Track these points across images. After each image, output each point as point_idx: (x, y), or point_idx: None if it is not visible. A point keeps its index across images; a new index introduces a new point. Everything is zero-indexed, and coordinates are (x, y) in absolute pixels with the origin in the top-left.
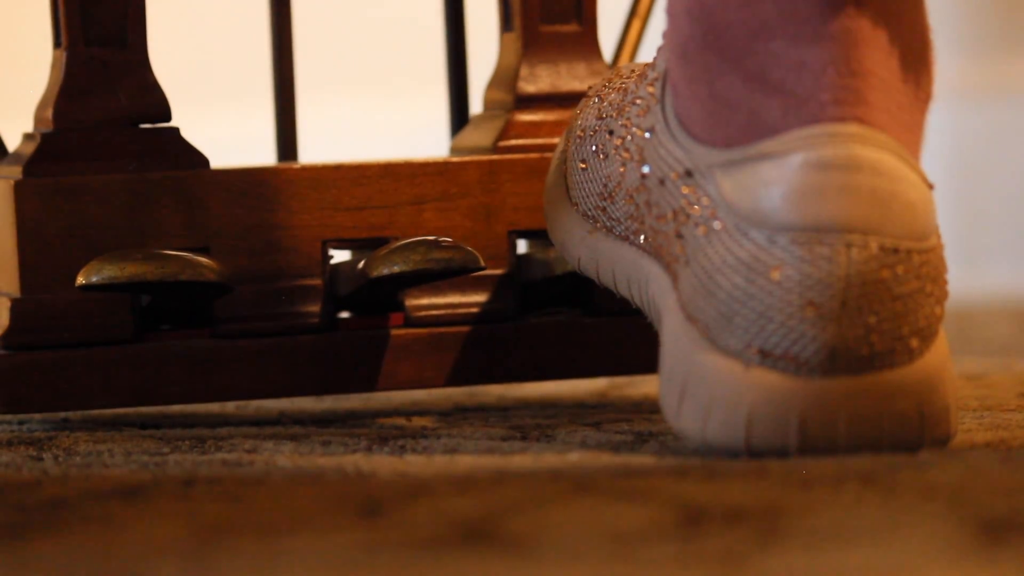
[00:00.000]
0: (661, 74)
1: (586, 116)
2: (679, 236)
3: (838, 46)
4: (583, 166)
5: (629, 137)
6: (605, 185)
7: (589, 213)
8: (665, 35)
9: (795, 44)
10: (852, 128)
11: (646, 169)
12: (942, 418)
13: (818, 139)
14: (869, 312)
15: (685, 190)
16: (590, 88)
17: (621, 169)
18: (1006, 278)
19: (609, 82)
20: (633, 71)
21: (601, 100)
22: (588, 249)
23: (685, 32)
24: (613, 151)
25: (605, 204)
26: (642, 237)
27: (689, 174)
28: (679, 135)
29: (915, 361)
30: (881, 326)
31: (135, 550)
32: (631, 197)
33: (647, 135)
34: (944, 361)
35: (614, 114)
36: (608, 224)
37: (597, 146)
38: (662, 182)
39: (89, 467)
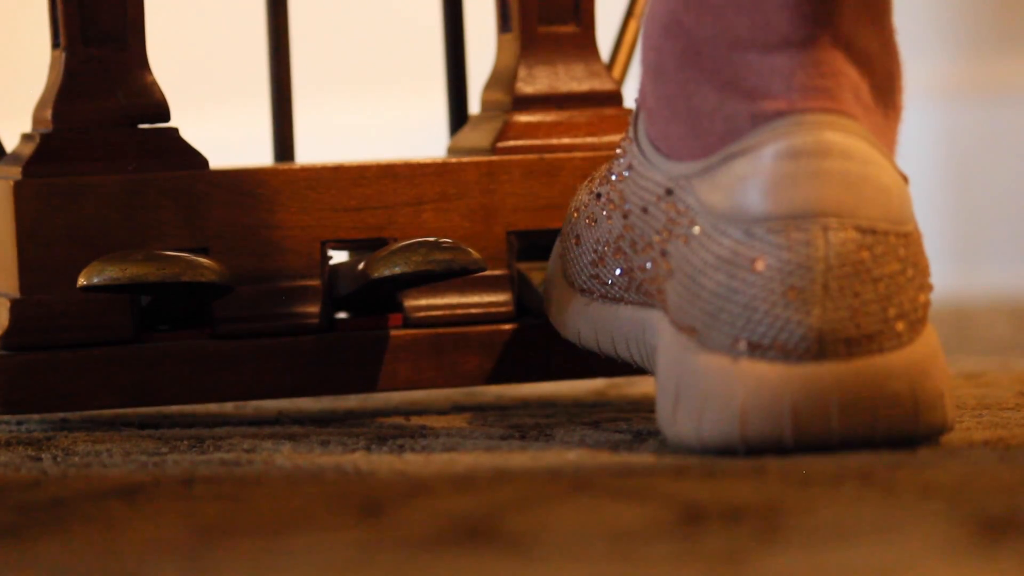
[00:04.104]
0: (634, 110)
1: (579, 197)
2: (664, 254)
3: (807, 52)
4: (576, 242)
5: (612, 188)
6: (595, 250)
7: (585, 286)
8: (641, 56)
9: (767, 53)
10: (819, 116)
11: (628, 206)
12: (936, 404)
13: (787, 128)
14: (851, 293)
15: (667, 208)
16: (583, 180)
17: (608, 224)
18: (1004, 277)
19: (599, 168)
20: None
21: (592, 179)
22: (586, 320)
23: (663, 49)
24: (600, 211)
25: (597, 270)
26: (634, 288)
27: (670, 192)
28: (655, 160)
29: (904, 347)
30: (866, 308)
31: (134, 550)
32: (618, 248)
33: (627, 173)
34: (935, 351)
35: (601, 181)
36: (602, 290)
37: (588, 216)
38: (645, 210)
39: (88, 467)
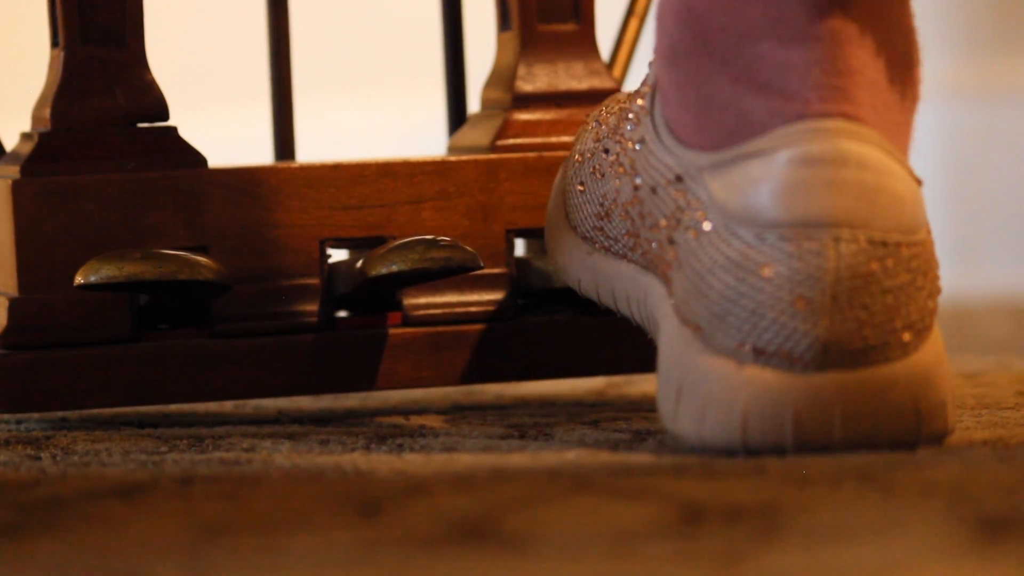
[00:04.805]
0: (651, 85)
1: (584, 140)
2: (671, 242)
3: (823, 46)
4: (581, 188)
5: (622, 152)
6: (602, 204)
7: (588, 235)
8: (655, 41)
9: (782, 45)
10: (837, 123)
11: (638, 180)
12: (938, 413)
13: (804, 135)
14: (860, 306)
15: (676, 195)
16: (588, 115)
17: (616, 184)
18: (1003, 276)
19: (607, 106)
20: (630, 96)
21: (599, 124)
22: (588, 270)
23: (674, 37)
24: (609, 168)
25: (602, 223)
26: (639, 252)
27: (679, 179)
28: (668, 142)
29: (909, 356)
30: (873, 319)
31: (133, 549)
32: (626, 212)
33: (638, 147)
34: (939, 357)
35: (610, 134)
36: (606, 243)
37: (594, 167)
38: (654, 190)
39: (87, 466)
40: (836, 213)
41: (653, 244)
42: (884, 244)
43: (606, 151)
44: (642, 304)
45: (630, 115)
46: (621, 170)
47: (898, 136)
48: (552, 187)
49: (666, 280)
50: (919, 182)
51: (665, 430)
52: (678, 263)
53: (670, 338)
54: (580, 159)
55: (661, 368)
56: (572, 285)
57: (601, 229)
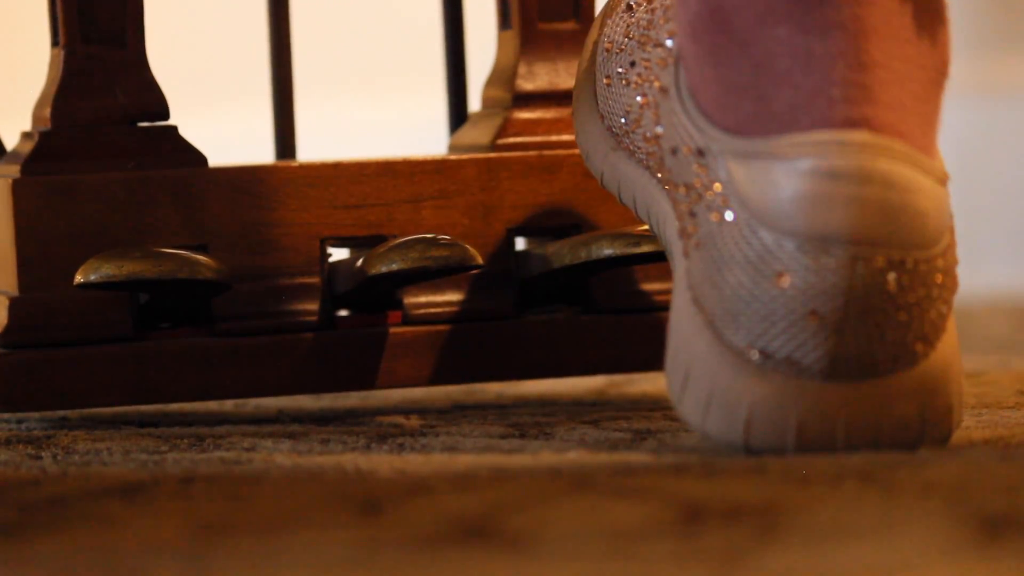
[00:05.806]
0: (679, 35)
1: (615, 26)
2: (692, 214)
3: (846, 36)
4: (607, 82)
5: (647, 82)
6: (627, 112)
7: (614, 128)
8: (676, 10)
9: (802, 31)
10: (863, 136)
11: (659, 129)
12: (943, 419)
13: (828, 147)
14: (872, 324)
15: (697, 168)
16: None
17: (640, 110)
18: (1004, 276)
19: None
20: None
21: (631, 12)
22: (611, 168)
23: (693, 10)
24: (635, 85)
25: (628, 128)
26: (661, 176)
27: (701, 153)
28: (691, 110)
29: (918, 364)
30: (884, 336)
31: (134, 548)
32: (648, 140)
33: (662, 94)
34: (951, 357)
35: (638, 43)
36: (631, 147)
37: (622, 69)
38: (674, 152)
39: (88, 465)
40: (857, 231)
41: (673, 195)
42: (902, 263)
43: (632, 64)
44: (661, 225)
45: (659, 47)
46: (645, 101)
47: (924, 127)
48: (547, 187)
49: (683, 237)
50: (945, 179)
51: (666, 428)
52: (697, 240)
53: (681, 315)
54: (609, 47)
55: (670, 344)
56: (595, 175)
57: (627, 133)
